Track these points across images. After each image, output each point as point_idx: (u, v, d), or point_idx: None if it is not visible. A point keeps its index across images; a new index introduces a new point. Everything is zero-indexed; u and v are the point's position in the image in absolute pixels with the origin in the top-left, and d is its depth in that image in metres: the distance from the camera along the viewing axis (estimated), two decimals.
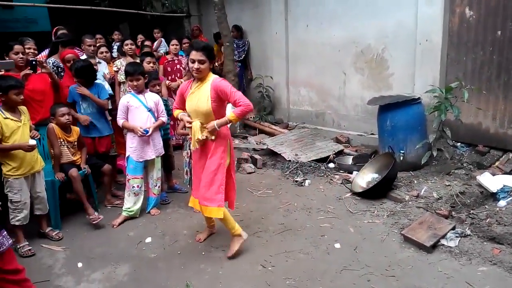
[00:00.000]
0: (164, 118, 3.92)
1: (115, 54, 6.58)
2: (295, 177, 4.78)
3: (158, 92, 4.17)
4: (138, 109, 3.76)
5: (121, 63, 5.09)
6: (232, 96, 2.87)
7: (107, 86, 4.64)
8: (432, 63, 4.83)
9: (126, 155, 3.86)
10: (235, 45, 7.24)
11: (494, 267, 2.84)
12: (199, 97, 2.91)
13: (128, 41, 5.20)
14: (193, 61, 2.83)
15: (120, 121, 3.78)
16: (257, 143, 6.11)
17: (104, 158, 4.28)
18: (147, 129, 3.71)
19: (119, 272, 3.05)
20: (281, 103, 7.18)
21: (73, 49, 4.72)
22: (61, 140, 3.81)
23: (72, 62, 4.27)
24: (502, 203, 3.57)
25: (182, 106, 3.10)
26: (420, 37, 4.92)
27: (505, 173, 4.11)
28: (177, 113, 3.13)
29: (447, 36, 4.78)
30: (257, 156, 5.40)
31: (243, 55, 7.50)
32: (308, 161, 5.16)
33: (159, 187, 4.02)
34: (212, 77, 2.92)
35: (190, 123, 2.99)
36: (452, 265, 2.90)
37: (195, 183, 3.23)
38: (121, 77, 5.04)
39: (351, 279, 2.80)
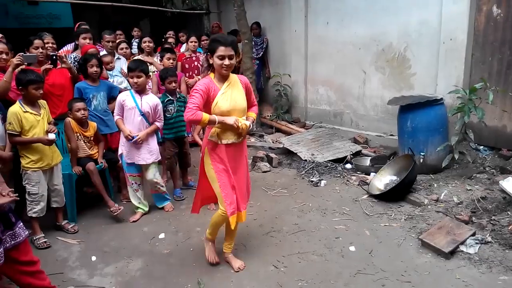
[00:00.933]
0: (160, 123, 3.76)
1: (135, 50, 6.63)
2: (311, 177, 4.72)
3: (175, 89, 4.17)
4: (132, 111, 3.61)
5: None
6: (252, 94, 2.90)
7: (125, 83, 4.69)
8: (456, 62, 4.67)
9: (119, 152, 3.80)
10: (253, 42, 7.20)
11: None
12: (236, 94, 2.73)
13: (146, 38, 5.23)
14: (223, 57, 2.59)
15: (116, 117, 3.69)
16: (273, 142, 6.06)
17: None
18: (135, 136, 3.58)
19: (132, 267, 3.07)
20: (299, 102, 7.11)
21: (94, 45, 4.78)
22: (78, 134, 3.85)
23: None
24: None
25: (206, 109, 2.70)
26: (444, 36, 4.76)
27: None
28: (205, 116, 2.61)
29: (473, 35, 4.62)
30: (272, 155, 5.35)
31: (261, 53, 7.46)
32: (325, 161, 5.08)
33: (159, 187, 3.93)
34: (233, 74, 2.79)
35: (237, 122, 2.67)
36: (471, 272, 2.80)
37: (238, 194, 2.83)
38: None
39: (365, 284, 2.74)
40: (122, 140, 3.72)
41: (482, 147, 4.62)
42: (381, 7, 5.49)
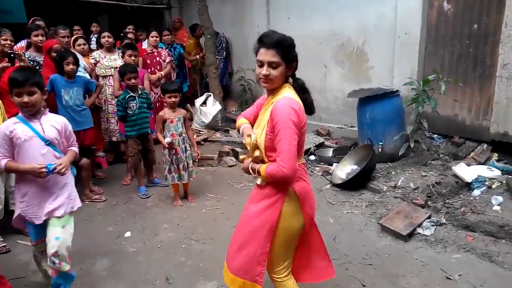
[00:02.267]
0: (75, 148, 2.56)
1: (93, 46, 6.44)
2: None
3: (135, 85, 4.11)
4: (29, 144, 2.31)
5: (99, 55, 5.00)
6: (276, 136, 1.78)
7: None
8: (410, 56, 4.90)
9: (16, 214, 2.45)
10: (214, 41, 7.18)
11: (467, 254, 2.93)
12: (261, 120, 1.94)
13: (106, 33, 5.09)
14: (261, 64, 1.83)
15: (2, 161, 2.31)
16: (238, 136, 6.10)
17: (88, 152, 4.24)
18: (52, 164, 2.29)
19: (98, 267, 3.02)
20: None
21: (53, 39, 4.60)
22: None
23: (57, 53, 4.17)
24: (476, 192, 3.67)
25: (251, 119, 2.13)
26: (399, 30, 4.98)
27: (480, 163, 4.22)
28: (240, 122, 2.15)
29: (426, 29, 4.85)
30: (238, 149, 5.40)
31: (223, 52, 7.44)
32: None
33: (62, 265, 2.43)
34: (283, 94, 1.85)
35: (249, 136, 1.92)
36: (428, 253, 2.98)
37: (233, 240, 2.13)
38: (100, 70, 4.95)
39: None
40: (20, 192, 2.39)
41: (436, 135, 4.88)
42: (340, 3, 5.65)
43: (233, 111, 7.16)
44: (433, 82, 4.14)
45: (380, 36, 5.27)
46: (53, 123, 2.43)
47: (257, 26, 6.90)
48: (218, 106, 6.56)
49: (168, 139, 3.80)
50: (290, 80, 1.93)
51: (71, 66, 3.93)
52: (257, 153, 1.89)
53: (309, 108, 1.92)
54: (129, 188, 4.47)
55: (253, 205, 1.99)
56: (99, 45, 5.43)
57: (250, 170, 1.93)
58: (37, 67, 4.36)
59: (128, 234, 3.48)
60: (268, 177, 1.82)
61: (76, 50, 4.99)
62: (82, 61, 4.87)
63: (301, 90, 1.90)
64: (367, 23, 5.39)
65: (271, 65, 1.80)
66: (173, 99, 3.85)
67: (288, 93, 1.84)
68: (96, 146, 4.70)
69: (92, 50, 5.59)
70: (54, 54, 4.19)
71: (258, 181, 1.94)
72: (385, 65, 5.24)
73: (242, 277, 1.99)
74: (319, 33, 6.00)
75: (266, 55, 1.80)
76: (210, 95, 6.68)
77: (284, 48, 1.81)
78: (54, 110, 4.02)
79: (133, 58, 4.72)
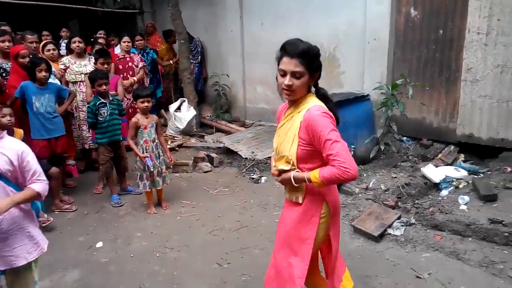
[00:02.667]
0: (38, 185, 2.01)
1: (63, 51, 6.30)
2: (252, 174, 4.82)
3: (105, 91, 4.04)
4: None
5: (69, 61, 4.89)
6: (324, 143, 1.70)
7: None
8: (380, 61, 5.04)
9: None
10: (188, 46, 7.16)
11: (436, 253, 3.02)
12: (287, 131, 1.86)
13: (76, 38, 4.98)
14: (283, 73, 1.76)
15: None
16: (213, 142, 6.09)
17: (59, 160, 4.16)
18: None
19: (68, 279, 2.94)
20: (238, 101, 7.19)
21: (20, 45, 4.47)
22: None
23: (25, 58, 4.07)
24: (444, 192, 3.80)
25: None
26: (369, 36, 5.11)
27: (447, 164, 4.38)
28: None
29: (394, 35, 5.00)
30: (213, 155, 5.38)
31: (198, 57, 7.43)
32: (265, 158, 5.21)
33: None
34: (311, 103, 1.80)
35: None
36: (399, 253, 3.06)
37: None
38: (70, 76, 4.85)
39: None
40: None
41: (405, 138, 5.03)
42: (312, 9, 5.74)
43: (208, 116, 7.14)
44: (401, 86, 4.26)
45: (350, 42, 5.39)
46: (6, 151, 1.95)
47: (231, 31, 6.93)
48: (192, 112, 6.52)
49: (149, 162, 3.82)
50: (313, 89, 1.88)
51: (43, 73, 3.87)
52: (285, 166, 1.82)
53: (336, 117, 1.82)
54: (101, 197, 4.38)
55: (290, 224, 1.92)
56: (69, 51, 5.31)
57: (294, 180, 1.79)
58: (4, 74, 4.23)
59: (100, 244, 3.41)
60: (325, 182, 1.71)
61: (45, 56, 4.87)
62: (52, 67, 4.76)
63: (325, 99, 1.85)
64: (338, 29, 5.50)
65: (295, 75, 1.74)
66: (145, 104, 3.81)
67: (316, 102, 1.80)
68: (67, 154, 4.59)
69: (62, 56, 5.46)
70: (21, 60, 4.08)
71: (300, 199, 1.87)
72: (356, 70, 5.36)
73: None
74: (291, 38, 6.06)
75: (290, 64, 1.73)
76: (184, 101, 6.64)
77: (309, 58, 1.75)
78: (23, 118, 3.93)
79: (105, 66, 4.63)
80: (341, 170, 1.65)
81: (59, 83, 4.52)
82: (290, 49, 1.74)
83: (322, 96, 1.85)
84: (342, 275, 2.10)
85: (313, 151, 1.78)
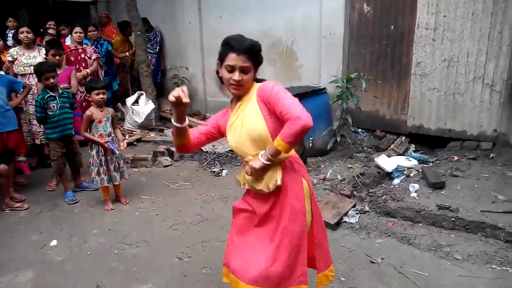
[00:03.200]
0: None
1: (10, 42, 5.94)
2: (213, 168, 4.82)
3: (53, 84, 3.84)
4: None
5: (17, 52, 4.62)
6: (277, 99, 1.73)
7: None
8: (335, 55, 5.18)
9: None
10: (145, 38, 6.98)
11: (389, 238, 3.18)
12: (245, 117, 1.84)
13: (24, 28, 4.70)
14: (231, 69, 1.78)
15: None
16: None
17: (11, 156, 3.99)
18: None
19: (20, 280, 2.82)
20: (198, 95, 7.13)
21: None
22: None
23: None
24: (396, 181, 4.00)
25: (211, 128, 2.01)
26: (324, 31, 5.23)
27: (399, 154, 4.61)
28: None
29: (348, 30, 5.15)
30: (173, 149, 5.31)
31: (158, 47, 7.27)
32: (225, 152, 5.22)
33: None
34: (256, 86, 1.86)
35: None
36: (354, 239, 3.19)
37: (237, 250, 2.01)
38: (19, 68, 4.59)
39: None
40: None
41: (359, 129, 5.22)
42: (270, 3, 5.79)
43: (167, 109, 7.02)
44: (355, 80, 4.41)
45: (307, 36, 5.49)
46: None
47: (189, 23, 6.83)
48: (151, 105, 6.39)
49: (114, 149, 3.74)
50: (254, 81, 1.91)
51: None
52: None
53: None
54: (54, 194, 4.21)
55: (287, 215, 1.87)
56: (17, 42, 5.02)
57: (264, 159, 1.75)
58: None
59: (54, 242, 3.28)
60: (292, 140, 1.66)
61: None
62: None
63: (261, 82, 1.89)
64: (295, 23, 5.59)
65: (243, 70, 1.78)
66: (101, 96, 3.70)
67: (257, 84, 1.85)
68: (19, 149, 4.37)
69: (9, 47, 5.15)
70: None
71: (279, 181, 1.82)
72: (313, 63, 5.48)
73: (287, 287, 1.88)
74: (251, 32, 6.06)
75: (238, 60, 1.76)
76: (142, 94, 6.49)
77: (255, 53, 1.80)
78: None
79: (57, 57, 4.44)
80: (296, 122, 1.65)
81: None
82: (236, 45, 1.77)
83: (260, 80, 1.90)
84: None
85: (280, 124, 1.74)
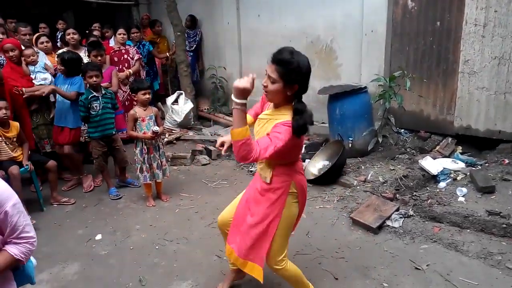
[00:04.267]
0: (15, 248, 1.55)
1: (59, 44, 6.22)
2: (250, 167, 4.82)
3: (96, 84, 3.95)
4: None
5: None
6: (269, 138, 1.89)
7: (50, 79, 4.44)
8: (377, 53, 5.03)
9: None
10: (186, 34, 7.10)
11: (435, 244, 3.04)
12: (263, 129, 2.03)
13: (70, 30, 4.92)
14: (266, 74, 1.96)
15: None
16: (211, 135, 6.08)
17: (83, 146, 4.50)
18: None
19: (68, 271, 2.94)
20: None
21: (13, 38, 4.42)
22: None
23: (9, 52, 4.02)
24: (442, 184, 3.82)
25: (253, 118, 2.29)
26: (365, 28, 5.09)
27: (445, 156, 4.40)
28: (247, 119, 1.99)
29: (391, 27, 4.98)
30: (211, 148, 5.37)
31: (194, 45, 7.38)
32: None
33: None
34: (286, 117, 1.92)
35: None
36: (397, 244, 3.08)
37: (233, 222, 2.36)
38: None
39: (304, 263, 2.88)
40: None
41: (402, 130, 5.03)
42: (309, 1, 5.70)
43: (205, 109, 7.11)
44: (399, 78, 4.26)
45: (347, 34, 5.37)
46: None
47: (227, 23, 6.87)
48: (190, 105, 6.49)
49: (155, 128, 3.76)
50: (295, 101, 1.97)
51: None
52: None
53: (297, 133, 1.89)
54: (99, 190, 4.37)
55: (258, 198, 2.16)
56: (64, 43, 5.24)
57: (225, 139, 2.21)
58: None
59: (99, 236, 3.40)
60: (236, 144, 1.81)
61: (39, 48, 4.83)
62: (45, 59, 4.71)
63: (295, 112, 1.92)
64: (335, 21, 5.48)
65: (270, 78, 1.90)
66: (147, 96, 3.80)
67: (288, 116, 1.91)
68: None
69: (59, 48, 5.40)
70: (7, 54, 4.03)
71: (267, 179, 2.10)
72: (353, 62, 5.35)
73: (252, 261, 2.18)
74: (288, 30, 6.05)
75: (269, 68, 1.90)
76: (181, 93, 6.60)
77: (287, 69, 1.85)
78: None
79: (99, 58, 4.60)
80: (255, 148, 1.81)
81: (50, 76, 4.49)
82: (274, 54, 1.90)
83: (295, 110, 1.93)
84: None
85: (286, 150, 1.91)
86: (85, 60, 4.78)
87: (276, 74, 1.86)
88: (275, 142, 1.84)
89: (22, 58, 4.21)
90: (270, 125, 1.96)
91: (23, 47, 4.36)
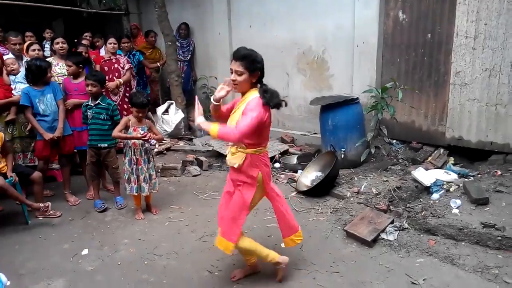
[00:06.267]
0: None
1: (47, 53, 6.12)
2: None
3: (91, 93, 3.88)
4: None
5: (51, 62, 4.73)
6: (243, 117, 2.35)
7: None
8: (368, 64, 5.04)
9: None
10: (179, 44, 7.07)
11: (430, 258, 2.99)
12: (238, 112, 2.46)
13: (59, 39, 4.82)
14: (231, 72, 2.41)
15: None
16: (202, 145, 6.00)
17: (68, 159, 4.28)
18: None
19: None
20: (227, 103, 7.10)
21: None
22: None
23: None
24: (435, 196, 3.79)
25: (224, 116, 2.62)
26: (357, 39, 5.11)
27: (437, 167, 4.38)
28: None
29: (383, 38, 5.01)
30: (202, 158, 5.30)
31: (189, 55, 7.35)
32: None
33: None
34: (253, 95, 2.42)
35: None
36: (392, 258, 3.02)
37: (219, 213, 2.76)
38: (53, 78, 4.69)
39: (298, 278, 2.82)
40: None
41: (395, 141, 5.02)
42: (300, 12, 5.72)
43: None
44: (391, 89, 4.26)
45: (339, 45, 5.38)
46: None
47: (218, 33, 6.85)
48: (180, 114, 6.42)
49: (141, 131, 3.70)
50: (259, 86, 2.48)
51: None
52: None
53: (271, 104, 2.39)
54: (86, 203, 4.24)
55: (235, 186, 2.58)
56: (54, 52, 5.15)
57: (199, 122, 2.47)
58: None
59: (85, 251, 3.28)
60: (219, 136, 2.34)
61: (29, 56, 4.72)
62: None
63: (263, 92, 2.42)
64: (326, 32, 5.49)
65: (237, 73, 2.38)
66: (140, 115, 3.74)
67: (256, 95, 2.41)
68: (51, 158, 4.44)
69: (46, 57, 5.29)
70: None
71: (236, 165, 2.49)
72: (345, 73, 5.35)
73: (227, 239, 2.56)
74: (280, 41, 6.05)
75: (234, 65, 2.39)
76: (172, 103, 6.53)
77: (248, 61, 2.37)
78: None
79: (66, 68, 4.38)
80: (232, 131, 2.32)
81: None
82: (235, 53, 2.40)
83: (262, 90, 2.42)
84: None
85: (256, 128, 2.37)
86: None
87: (241, 67, 2.35)
88: (250, 115, 2.30)
89: (3, 67, 4.12)
90: (242, 106, 2.42)
91: (4, 57, 4.28)
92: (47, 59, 4.83)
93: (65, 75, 4.66)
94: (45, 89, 3.99)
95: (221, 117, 2.62)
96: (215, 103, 2.52)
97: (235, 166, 2.49)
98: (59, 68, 4.72)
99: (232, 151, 2.55)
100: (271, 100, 2.38)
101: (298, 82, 5.99)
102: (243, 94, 2.48)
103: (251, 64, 2.37)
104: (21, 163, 4.22)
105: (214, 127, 2.34)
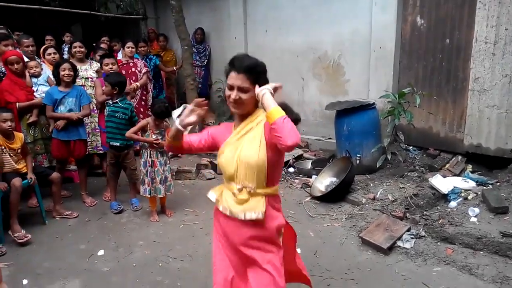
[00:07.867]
0: None
1: (66, 56, 6.25)
2: None
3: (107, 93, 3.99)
4: None
5: None
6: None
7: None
8: (385, 69, 4.99)
9: None
10: (195, 50, 7.14)
11: (448, 267, 2.94)
12: (247, 141, 1.78)
13: (77, 43, 4.92)
14: (231, 88, 1.75)
15: None
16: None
17: (84, 161, 4.31)
18: None
19: None
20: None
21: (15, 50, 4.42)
22: (3, 147, 3.53)
23: (13, 65, 4.00)
24: (453, 204, 3.72)
25: (207, 136, 1.99)
26: (374, 44, 5.07)
27: (455, 175, 4.31)
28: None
29: (400, 44, 4.96)
30: (216, 162, 5.30)
31: (206, 60, 7.42)
32: None
33: None
34: (263, 116, 1.78)
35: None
36: (409, 266, 2.97)
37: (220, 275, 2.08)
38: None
39: (313, 285, 2.76)
40: None
41: (411, 147, 4.96)
42: (316, 17, 5.71)
43: (211, 122, 7.07)
44: (408, 95, 4.20)
45: (355, 50, 5.35)
46: None
47: (234, 38, 6.89)
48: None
49: (154, 137, 3.75)
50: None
51: (67, 72, 3.97)
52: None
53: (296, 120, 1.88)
54: (102, 204, 4.29)
55: (255, 261, 1.87)
56: (72, 55, 5.26)
57: (265, 100, 1.67)
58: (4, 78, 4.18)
59: (101, 252, 3.32)
60: (284, 122, 1.61)
61: (46, 60, 4.83)
62: (49, 73, 4.69)
63: (284, 109, 1.76)
64: (342, 37, 5.47)
65: (242, 89, 1.73)
66: (156, 122, 3.80)
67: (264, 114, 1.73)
68: (68, 160, 4.52)
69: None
70: (10, 67, 4.01)
71: (256, 216, 1.76)
72: (361, 78, 5.32)
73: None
74: (296, 46, 6.04)
75: (237, 79, 1.73)
76: (186, 106, 6.56)
77: (256, 73, 1.75)
78: None
79: (110, 66, 4.61)
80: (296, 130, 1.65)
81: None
82: (237, 64, 1.74)
83: (285, 107, 1.77)
84: None
85: (279, 157, 1.79)
86: (91, 72, 4.81)
87: (248, 82, 1.72)
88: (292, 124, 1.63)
89: (26, 70, 4.21)
90: (251, 134, 1.77)
91: (26, 59, 4.38)
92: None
93: (83, 77, 4.75)
94: (70, 92, 4.06)
95: (180, 148, 2.00)
96: (181, 128, 1.88)
97: (253, 217, 1.76)
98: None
99: (242, 197, 1.78)
100: (292, 116, 1.74)
101: (314, 87, 5.97)
102: (244, 116, 1.83)
103: (259, 76, 1.76)
104: (46, 165, 4.29)
105: (280, 109, 1.65)
